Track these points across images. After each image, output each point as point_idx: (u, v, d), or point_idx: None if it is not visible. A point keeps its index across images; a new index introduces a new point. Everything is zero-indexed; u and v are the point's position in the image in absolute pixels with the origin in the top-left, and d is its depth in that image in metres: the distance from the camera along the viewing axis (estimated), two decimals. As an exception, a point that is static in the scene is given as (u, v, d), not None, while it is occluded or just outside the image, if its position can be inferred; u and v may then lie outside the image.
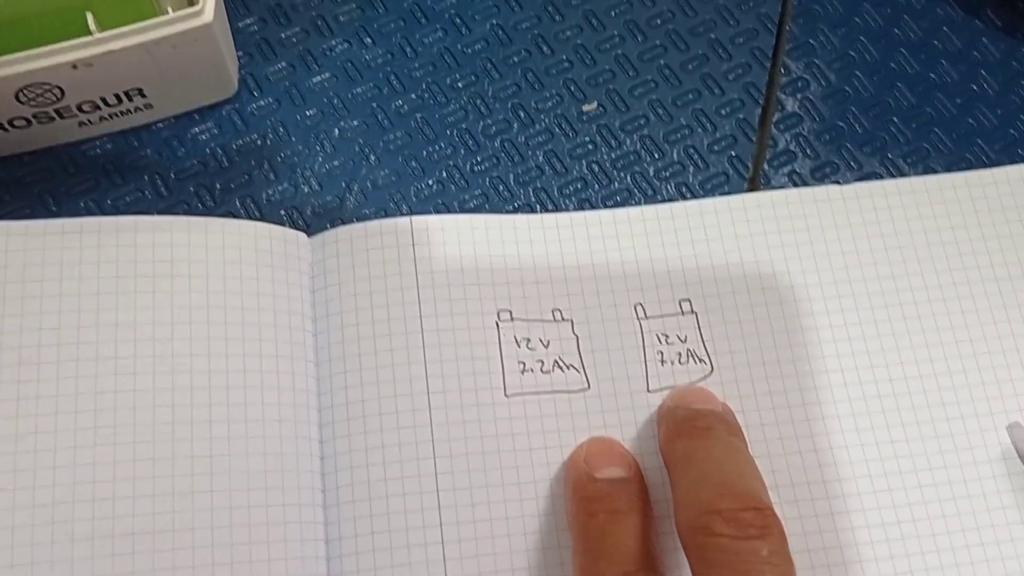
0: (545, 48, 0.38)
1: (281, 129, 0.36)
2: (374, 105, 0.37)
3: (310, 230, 0.33)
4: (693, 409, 0.30)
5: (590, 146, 0.37)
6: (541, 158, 0.36)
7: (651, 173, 0.36)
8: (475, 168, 0.36)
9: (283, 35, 0.37)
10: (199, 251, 0.31)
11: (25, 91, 0.31)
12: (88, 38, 0.30)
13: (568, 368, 0.32)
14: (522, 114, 0.37)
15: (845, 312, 0.33)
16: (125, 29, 0.30)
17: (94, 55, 0.30)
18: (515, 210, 0.36)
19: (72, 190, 0.34)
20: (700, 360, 0.33)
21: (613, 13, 0.39)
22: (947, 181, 0.36)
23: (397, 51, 0.38)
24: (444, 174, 0.36)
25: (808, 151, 0.37)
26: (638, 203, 0.36)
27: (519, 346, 0.32)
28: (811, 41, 0.38)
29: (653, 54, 0.38)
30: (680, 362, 0.33)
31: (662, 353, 0.33)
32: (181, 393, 0.29)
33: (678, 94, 0.38)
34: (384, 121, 0.36)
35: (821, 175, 0.37)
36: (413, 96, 0.37)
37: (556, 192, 0.36)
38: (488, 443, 0.31)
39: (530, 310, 0.33)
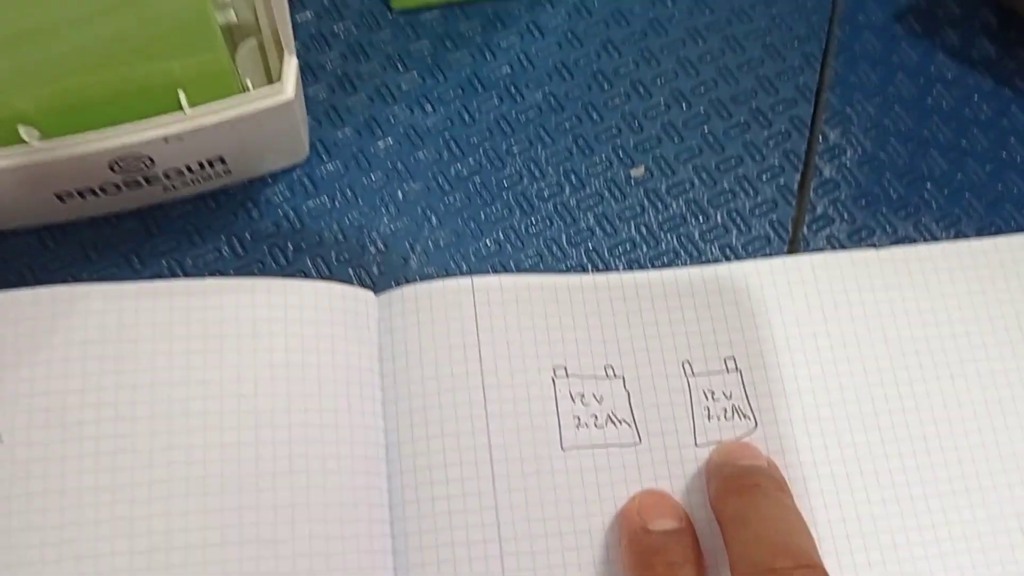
0: (595, 115, 0.40)
1: (348, 191, 0.38)
2: (435, 169, 0.39)
3: (376, 288, 0.36)
4: (741, 466, 0.32)
5: (638, 209, 0.39)
6: (592, 220, 0.39)
7: (696, 235, 0.38)
8: (530, 229, 0.38)
9: (349, 103, 0.40)
10: (278, 311, 0.33)
11: (119, 161, 0.33)
12: (180, 115, 0.33)
13: (620, 423, 0.34)
14: (573, 178, 0.39)
15: (882, 372, 0.35)
16: (214, 106, 0.33)
17: (185, 130, 0.33)
18: (568, 269, 0.38)
19: (155, 250, 0.37)
20: (744, 416, 0.35)
21: (658, 82, 0.41)
22: (978, 246, 0.37)
23: (455, 118, 0.40)
24: (501, 235, 0.38)
25: (845, 215, 0.39)
26: (684, 263, 0.38)
27: (574, 401, 0.34)
28: (848, 110, 0.41)
29: (697, 121, 0.40)
30: (726, 417, 0.35)
31: (709, 409, 0.35)
32: (264, 446, 0.31)
33: (721, 160, 0.40)
34: (444, 184, 0.39)
35: (858, 238, 0.39)
36: (471, 160, 0.39)
37: (606, 252, 0.38)
38: (546, 495, 0.33)
39: (584, 366, 0.35)
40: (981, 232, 0.39)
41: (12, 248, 0.36)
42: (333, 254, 0.37)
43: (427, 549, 0.32)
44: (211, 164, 0.36)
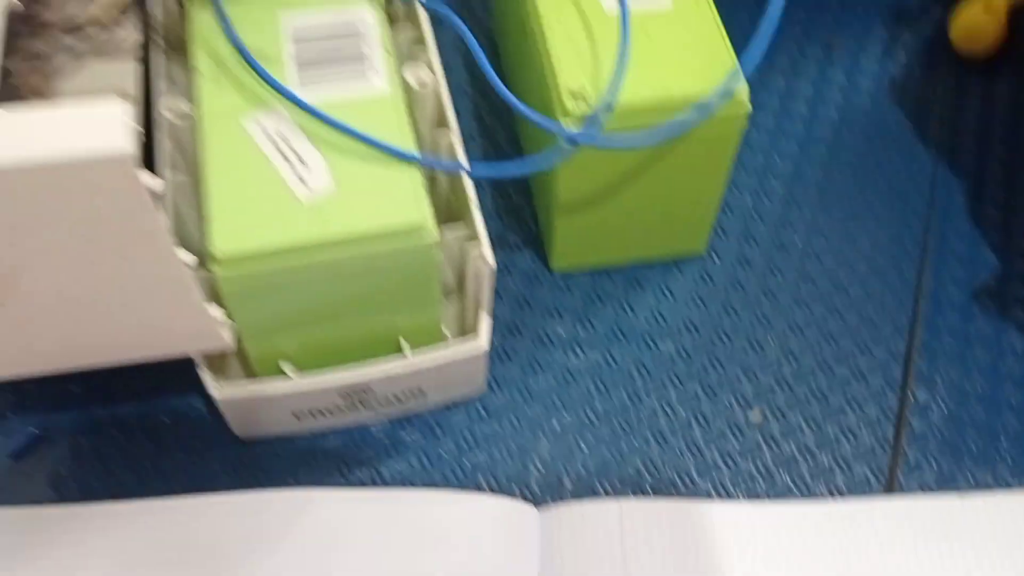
0: (718, 366, 0.48)
1: (514, 419, 0.46)
2: (585, 406, 0.47)
3: (537, 503, 0.43)
4: None
5: (755, 448, 0.46)
6: (717, 455, 0.46)
7: (806, 475, 0.45)
8: (664, 460, 0.46)
9: (516, 345, 0.49)
10: (458, 521, 0.41)
11: (349, 391, 0.42)
12: (402, 359, 0.42)
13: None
14: (700, 418, 0.47)
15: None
16: (427, 353, 0.42)
17: (405, 372, 0.42)
18: (696, 496, 0.45)
19: (359, 463, 0.45)
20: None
21: (771, 340, 0.49)
22: (1051, 498, 0.44)
23: (602, 361, 0.48)
24: (640, 464, 0.46)
25: (933, 465, 0.46)
26: (795, 498, 0.45)
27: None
28: (935, 376, 0.48)
29: (805, 376, 0.48)
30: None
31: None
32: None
33: (827, 411, 0.47)
34: (593, 419, 0.47)
35: (945, 485, 0.45)
36: (614, 399, 0.47)
37: (729, 484, 0.45)
38: None
39: (714, 584, 0.41)
40: (1053, 486, 0.45)
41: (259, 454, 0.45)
42: (502, 471, 0.45)
43: None
44: (413, 394, 0.44)
